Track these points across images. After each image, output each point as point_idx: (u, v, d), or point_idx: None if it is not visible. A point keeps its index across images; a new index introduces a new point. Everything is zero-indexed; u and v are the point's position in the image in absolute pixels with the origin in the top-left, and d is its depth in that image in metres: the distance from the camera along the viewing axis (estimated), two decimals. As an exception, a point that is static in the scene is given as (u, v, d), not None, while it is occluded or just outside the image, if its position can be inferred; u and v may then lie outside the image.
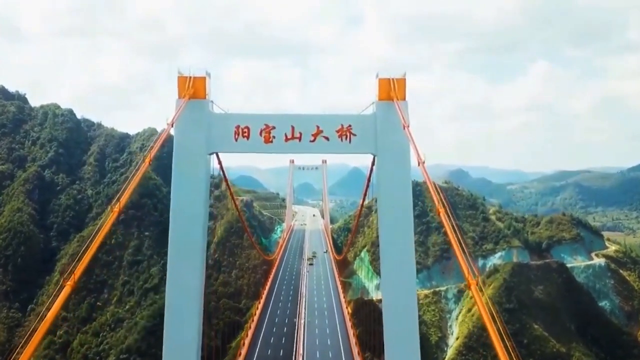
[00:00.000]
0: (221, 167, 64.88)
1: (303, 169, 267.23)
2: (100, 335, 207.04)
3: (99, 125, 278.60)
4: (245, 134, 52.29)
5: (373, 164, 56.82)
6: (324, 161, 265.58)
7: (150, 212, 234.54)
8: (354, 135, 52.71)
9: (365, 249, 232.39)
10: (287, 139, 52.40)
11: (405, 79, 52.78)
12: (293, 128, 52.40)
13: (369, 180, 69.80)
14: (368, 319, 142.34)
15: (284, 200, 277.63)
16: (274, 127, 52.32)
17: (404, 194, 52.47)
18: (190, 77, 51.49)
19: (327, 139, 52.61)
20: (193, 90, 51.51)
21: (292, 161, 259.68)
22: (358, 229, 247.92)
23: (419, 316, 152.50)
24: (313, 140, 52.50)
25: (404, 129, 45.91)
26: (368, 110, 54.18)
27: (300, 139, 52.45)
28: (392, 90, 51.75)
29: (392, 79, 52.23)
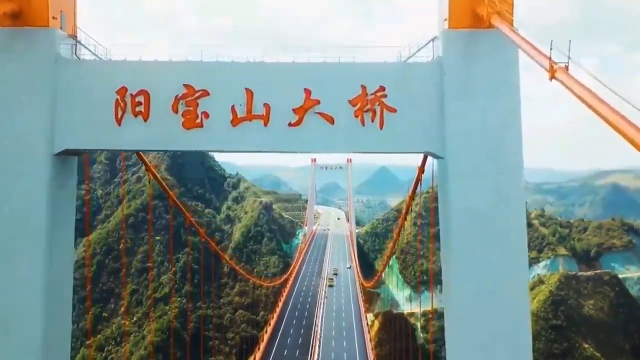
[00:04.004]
0: (154, 176, 33.37)
1: (326, 169, 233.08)
2: (106, 350, 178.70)
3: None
4: (141, 109, 21.10)
5: (424, 164, 25.78)
6: (349, 160, 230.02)
7: (162, 215, 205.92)
8: (392, 111, 21.26)
9: (394, 256, 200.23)
10: (236, 120, 21.17)
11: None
12: (251, 94, 21.16)
13: (412, 198, 38.03)
14: (399, 335, 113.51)
15: (307, 201, 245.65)
16: (206, 93, 21.09)
17: (517, 237, 22.11)
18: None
19: (331, 119, 21.22)
20: (16, 5, 20.54)
21: (314, 160, 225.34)
22: (386, 234, 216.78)
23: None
24: (296, 123, 21.17)
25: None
26: (422, 55, 22.59)
27: (266, 119, 21.22)
28: (483, 5, 20.20)
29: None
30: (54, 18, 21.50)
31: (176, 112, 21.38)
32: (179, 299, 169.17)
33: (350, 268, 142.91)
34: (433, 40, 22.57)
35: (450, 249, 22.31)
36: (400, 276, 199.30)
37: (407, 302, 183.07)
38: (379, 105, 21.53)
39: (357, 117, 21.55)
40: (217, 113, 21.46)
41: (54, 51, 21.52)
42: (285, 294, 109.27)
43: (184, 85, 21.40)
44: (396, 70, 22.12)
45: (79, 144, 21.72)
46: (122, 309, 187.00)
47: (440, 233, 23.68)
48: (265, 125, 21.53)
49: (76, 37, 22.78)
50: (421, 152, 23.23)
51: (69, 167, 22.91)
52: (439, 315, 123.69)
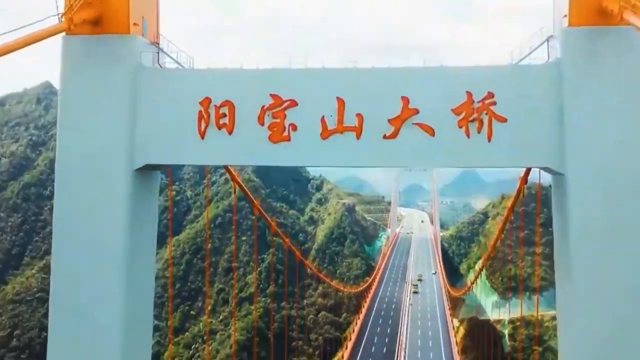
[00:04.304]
0: (239, 186, 32.22)
1: (410, 170, 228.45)
2: (192, 347, 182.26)
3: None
4: (226, 121, 19.51)
5: (527, 175, 22.95)
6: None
7: (248, 215, 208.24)
8: (502, 120, 18.60)
9: (480, 261, 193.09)
10: (326, 132, 19.16)
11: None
12: (342, 104, 19.06)
13: (511, 210, 34.90)
14: (485, 342, 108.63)
15: (389, 203, 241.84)
16: (293, 103, 19.17)
17: None
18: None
19: (430, 130, 18.80)
20: (96, 11, 19.41)
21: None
22: (471, 238, 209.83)
23: (544, 341, 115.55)
24: (392, 135, 18.91)
25: None
26: (535, 56, 19.82)
27: (359, 130, 19.09)
28: (611, -3, 17.33)
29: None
30: (134, 24, 20.24)
31: (262, 124, 19.61)
32: (263, 299, 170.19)
33: (435, 274, 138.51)
34: (548, 39, 19.70)
35: (569, 269, 19.35)
36: (486, 281, 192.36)
37: (493, 308, 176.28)
38: (486, 113, 18.91)
39: (460, 127, 19.03)
40: (305, 125, 19.53)
41: (135, 60, 20.25)
42: (368, 299, 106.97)
43: (270, 95, 19.59)
44: (506, 74, 19.41)
45: (160, 159, 20.36)
46: (208, 308, 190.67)
47: (555, 251, 20.89)
48: (358, 137, 19.39)
49: (158, 44, 21.47)
50: (536, 167, 20.43)
51: (150, 180, 21.65)
52: (525, 322, 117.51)
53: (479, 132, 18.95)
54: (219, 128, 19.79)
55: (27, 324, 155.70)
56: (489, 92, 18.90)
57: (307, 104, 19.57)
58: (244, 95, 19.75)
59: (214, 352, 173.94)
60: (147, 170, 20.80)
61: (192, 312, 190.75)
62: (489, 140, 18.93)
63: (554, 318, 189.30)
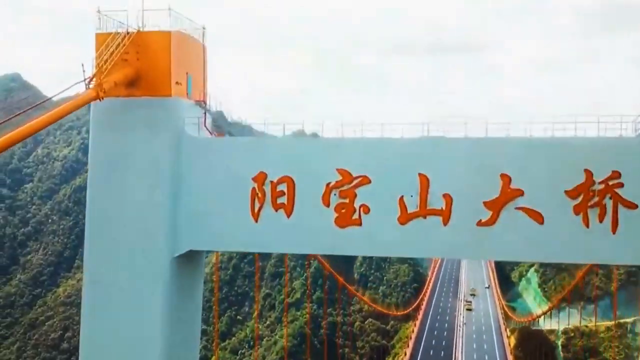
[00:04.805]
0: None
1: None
2: (239, 352, 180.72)
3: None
4: (284, 201, 16.01)
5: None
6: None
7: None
8: (631, 206, 14.46)
9: (532, 269, 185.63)
10: (405, 216, 15.39)
11: None
12: (425, 182, 15.25)
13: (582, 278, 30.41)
14: (537, 353, 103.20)
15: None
16: (365, 180, 15.48)
17: None
18: (125, 34, 15.78)
19: (539, 217, 14.79)
20: (132, 70, 16.09)
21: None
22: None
23: (599, 353, 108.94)
24: (489, 222, 15.03)
25: None
26: None
27: (446, 214, 15.29)
28: None
29: None
30: (177, 83, 16.93)
31: (327, 205, 16.12)
32: (310, 305, 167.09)
33: (488, 287, 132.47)
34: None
35: None
36: (538, 290, 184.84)
37: (546, 318, 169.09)
38: (610, 198, 14.98)
39: (577, 214, 15.13)
40: (380, 206, 15.95)
41: (177, 126, 16.96)
42: (419, 318, 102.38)
43: (337, 170, 16.03)
44: (635, 147, 15.35)
45: (205, 244, 17.08)
46: (255, 313, 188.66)
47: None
48: (445, 223, 15.70)
49: (205, 103, 18.11)
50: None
51: (193, 265, 18.32)
52: (580, 333, 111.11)
53: (600, 221, 15.02)
54: (276, 209, 16.38)
55: (78, 327, 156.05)
56: (613, 171, 14.94)
57: (382, 182, 15.99)
58: (306, 170, 16.27)
59: (261, 357, 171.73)
60: (181, 257, 17.42)
61: (238, 317, 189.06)
62: (614, 231, 14.99)
63: (609, 329, 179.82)
